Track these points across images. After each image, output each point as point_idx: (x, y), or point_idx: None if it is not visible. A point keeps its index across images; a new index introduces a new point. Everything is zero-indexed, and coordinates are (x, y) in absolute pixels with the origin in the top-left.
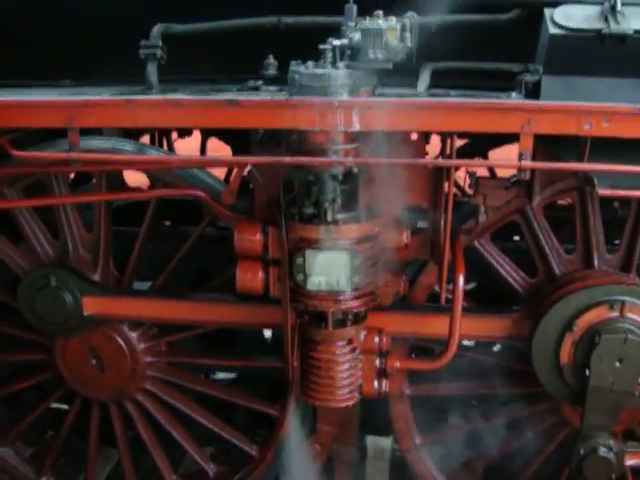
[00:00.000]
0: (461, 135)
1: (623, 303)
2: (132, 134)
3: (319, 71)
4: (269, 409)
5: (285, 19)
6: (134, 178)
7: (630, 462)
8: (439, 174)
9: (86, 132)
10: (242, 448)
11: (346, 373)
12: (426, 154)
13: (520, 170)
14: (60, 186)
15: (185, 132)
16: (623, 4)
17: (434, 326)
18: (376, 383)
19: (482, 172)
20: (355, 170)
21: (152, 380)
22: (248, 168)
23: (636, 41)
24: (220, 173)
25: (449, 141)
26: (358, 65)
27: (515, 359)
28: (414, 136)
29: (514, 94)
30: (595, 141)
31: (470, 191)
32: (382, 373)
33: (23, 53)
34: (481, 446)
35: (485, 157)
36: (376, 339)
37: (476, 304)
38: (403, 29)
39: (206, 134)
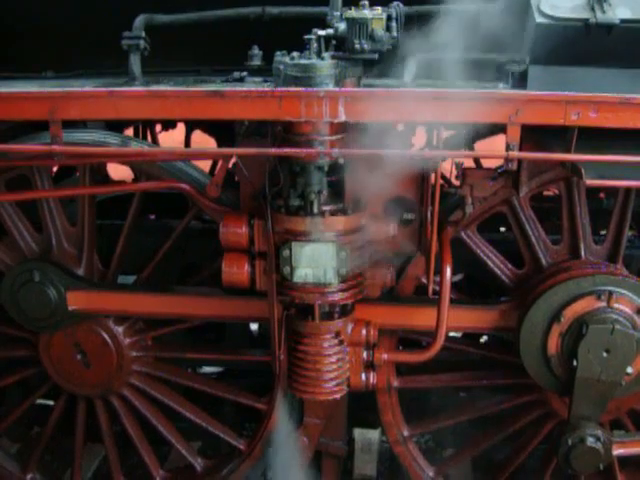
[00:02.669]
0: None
1: (610, 293)
2: (115, 126)
3: (304, 62)
4: (256, 403)
5: (270, 9)
6: (118, 171)
7: (617, 452)
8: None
9: (69, 125)
10: (230, 442)
11: (333, 366)
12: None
13: (507, 161)
14: (43, 179)
15: (169, 124)
16: None
17: (422, 318)
18: (364, 375)
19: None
20: (341, 161)
21: (138, 375)
22: (233, 160)
23: (623, 30)
24: (205, 165)
25: (435, 132)
26: (344, 55)
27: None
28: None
29: (501, 84)
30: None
31: (457, 182)
32: (370, 365)
33: (4, 45)
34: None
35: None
36: (363, 331)
37: (464, 295)
38: (389, 19)
39: (190, 126)
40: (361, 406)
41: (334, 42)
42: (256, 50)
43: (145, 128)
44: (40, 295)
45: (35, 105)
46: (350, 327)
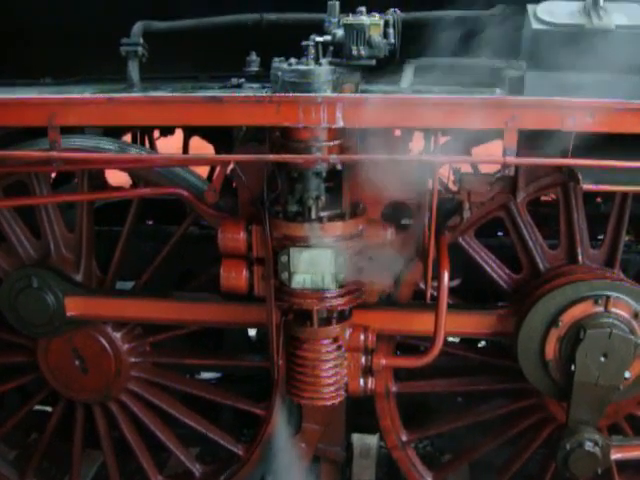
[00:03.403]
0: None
1: (607, 298)
2: (114, 133)
3: (302, 68)
4: (255, 408)
5: (267, 16)
6: (116, 178)
7: (615, 456)
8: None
9: (67, 131)
10: (228, 448)
11: (332, 371)
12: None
13: (504, 166)
14: (41, 185)
15: (167, 131)
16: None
17: (420, 323)
18: (362, 381)
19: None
20: (339, 167)
21: (136, 380)
22: (231, 166)
23: (618, 36)
24: (203, 172)
25: (433, 138)
26: (341, 61)
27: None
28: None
29: (498, 90)
30: None
31: (454, 187)
32: (368, 371)
33: (3, 51)
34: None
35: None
36: (362, 337)
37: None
38: (386, 25)
39: (188, 133)
40: (359, 411)
41: (332, 48)
42: (254, 56)
43: (143, 134)
44: (38, 301)
45: (34, 111)
46: (348, 332)
